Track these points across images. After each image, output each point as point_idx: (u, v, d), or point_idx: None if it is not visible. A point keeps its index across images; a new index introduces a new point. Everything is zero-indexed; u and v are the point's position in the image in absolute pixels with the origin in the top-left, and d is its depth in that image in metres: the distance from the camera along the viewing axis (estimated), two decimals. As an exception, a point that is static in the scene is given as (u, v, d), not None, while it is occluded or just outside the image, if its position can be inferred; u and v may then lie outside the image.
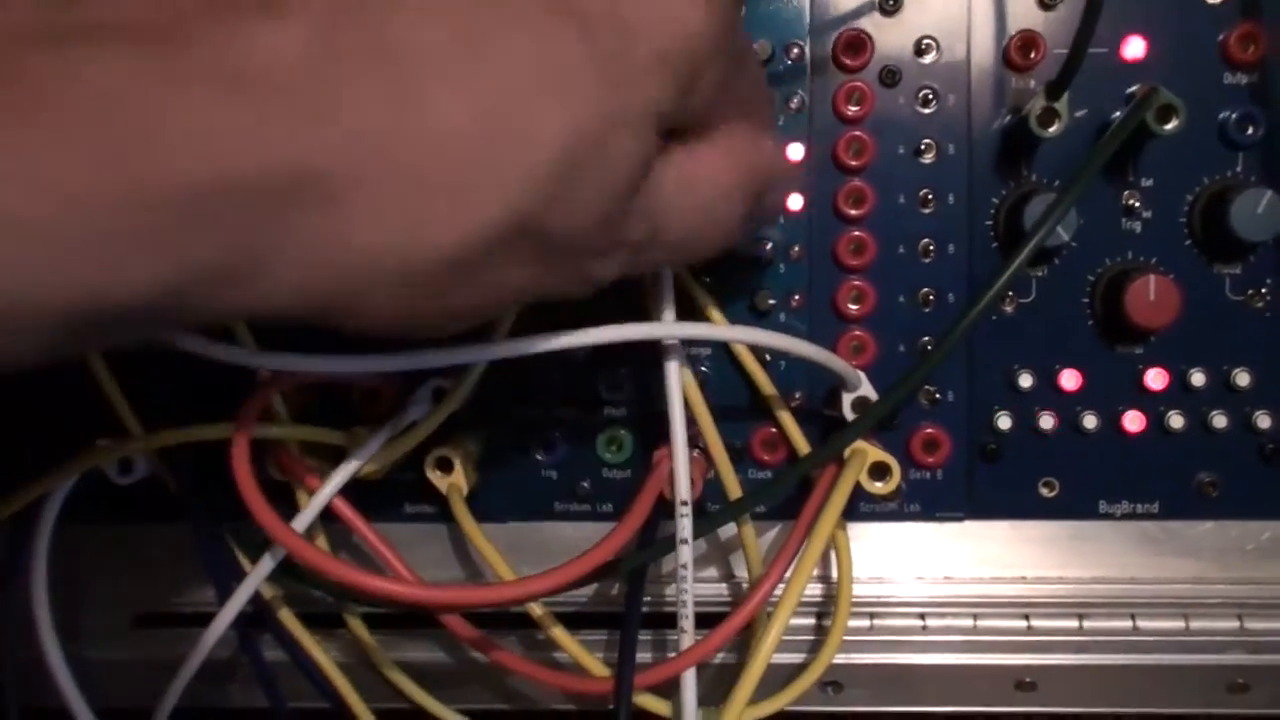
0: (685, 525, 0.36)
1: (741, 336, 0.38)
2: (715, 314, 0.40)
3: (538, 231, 0.26)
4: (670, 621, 0.40)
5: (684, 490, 0.36)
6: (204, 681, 0.44)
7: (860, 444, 0.39)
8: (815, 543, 0.36)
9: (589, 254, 0.28)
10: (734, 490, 0.40)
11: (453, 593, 0.37)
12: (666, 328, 0.36)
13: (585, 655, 0.40)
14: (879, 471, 0.38)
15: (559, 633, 0.40)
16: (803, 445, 0.41)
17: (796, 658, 0.43)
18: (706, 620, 0.40)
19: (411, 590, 0.34)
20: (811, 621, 0.44)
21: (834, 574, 0.43)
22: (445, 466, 0.41)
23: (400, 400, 0.41)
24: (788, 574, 0.37)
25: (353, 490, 0.41)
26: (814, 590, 0.44)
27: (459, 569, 0.45)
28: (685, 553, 0.35)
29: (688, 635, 0.35)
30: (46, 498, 0.39)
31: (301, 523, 0.38)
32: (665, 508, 0.39)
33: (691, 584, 0.36)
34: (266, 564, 0.39)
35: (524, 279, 0.27)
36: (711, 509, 0.42)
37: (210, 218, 0.21)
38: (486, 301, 0.27)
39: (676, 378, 0.36)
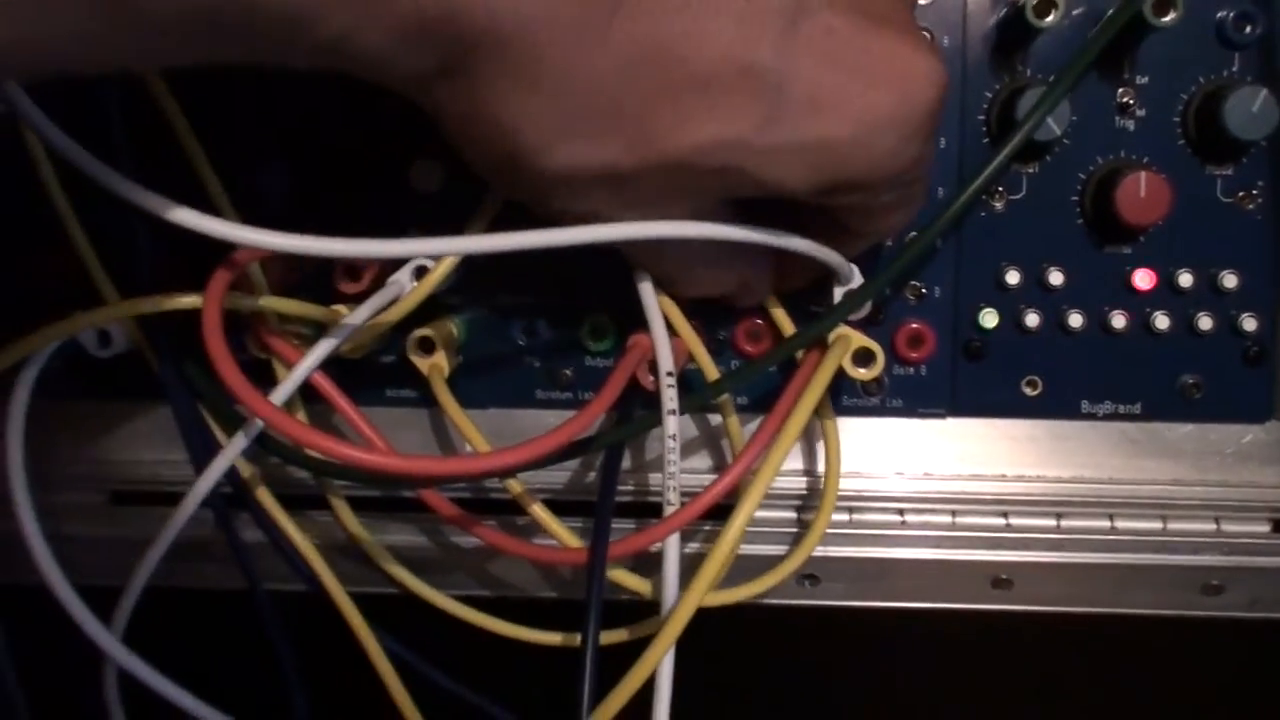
0: (670, 396, 0.35)
1: (726, 234, 0.37)
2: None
3: None
4: (655, 511, 0.39)
5: (666, 361, 0.35)
6: (181, 560, 0.44)
7: (845, 330, 0.38)
8: (793, 423, 0.36)
9: None
10: (711, 373, 0.40)
11: (427, 463, 0.36)
12: (642, 228, 0.35)
13: (563, 530, 0.40)
14: (863, 357, 0.38)
15: (538, 509, 0.40)
16: (789, 331, 0.40)
17: (779, 550, 0.43)
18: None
19: (385, 460, 0.33)
20: (792, 515, 0.44)
21: (820, 467, 0.43)
22: (427, 347, 0.40)
23: (382, 279, 0.40)
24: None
25: (334, 372, 0.41)
26: (797, 483, 0.44)
27: (439, 453, 0.45)
28: (672, 424, 0.35)
29: (673, 507, 0.35)
30: (21, 368, 0.39)
31: (279, 395, 0.37)
32: (643, 396, 0.39)
33: (679, 456, 0.35)
34: (240, 440, 0.38)
35: None
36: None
37: None
38: None
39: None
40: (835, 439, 0.41)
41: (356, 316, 0.39)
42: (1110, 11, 0.39)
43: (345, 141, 0.43)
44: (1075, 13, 0.41)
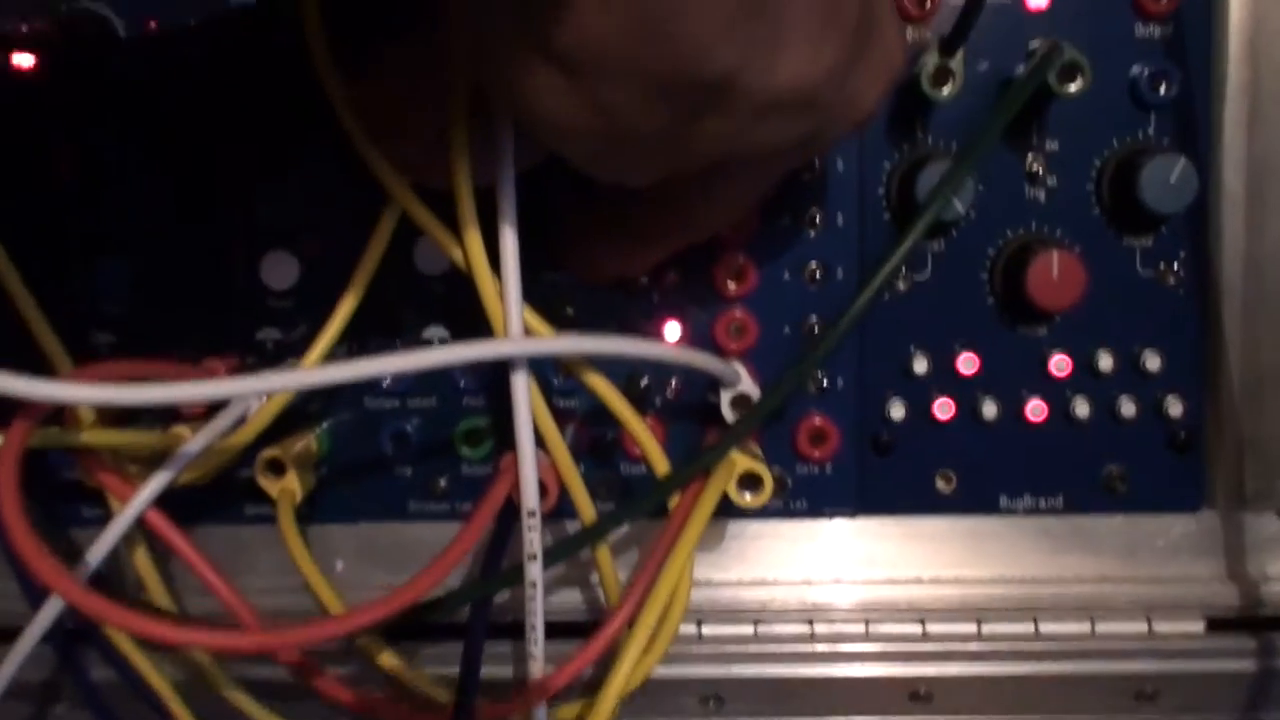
0: (534, 539, 0.32)
1: (591, 348, 0.34)
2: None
3: None
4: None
5: (531, 499, 0.32)
6: (24, 702, 0.40)
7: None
8: (667, 576, 0.32)
9: None
10: (586, 511, 0.36)
11: (228, 637, 0.32)
12: (508, 345, 0.31)
13: (425, 681, 0.36)
14: (750, 482, 0.35)
15: (388, 658, 0.37)
16: (659, 461, 0.36)
17: (674, 671, 0.40)
18: (572, 630, 0.37)
19: (185, 633, 0.29)
20: (692, 629, 0.40)
21: (718, 574, 0.39)
22: (277, 469, 0.36)
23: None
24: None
25: (183, 494, 0.37)
26: (697, 595, 0.40)
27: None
28: (534, 570, 0.32)
29: (537, 663, 0.32)
30: None
31: (104, 545, 0.33)
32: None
33: (541, 604, 0.32)
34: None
35: None
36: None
37: None
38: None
39: (524, 390, 0.32)
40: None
41: (195, 443, 0.35)
42: (1015, 82, 0.36)
43: (189, 238, 0.39)
44: (981, 68, 0.38)
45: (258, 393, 0.31)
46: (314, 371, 0.31)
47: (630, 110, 0.24)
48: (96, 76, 0.38)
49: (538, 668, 0.32)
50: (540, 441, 0.35)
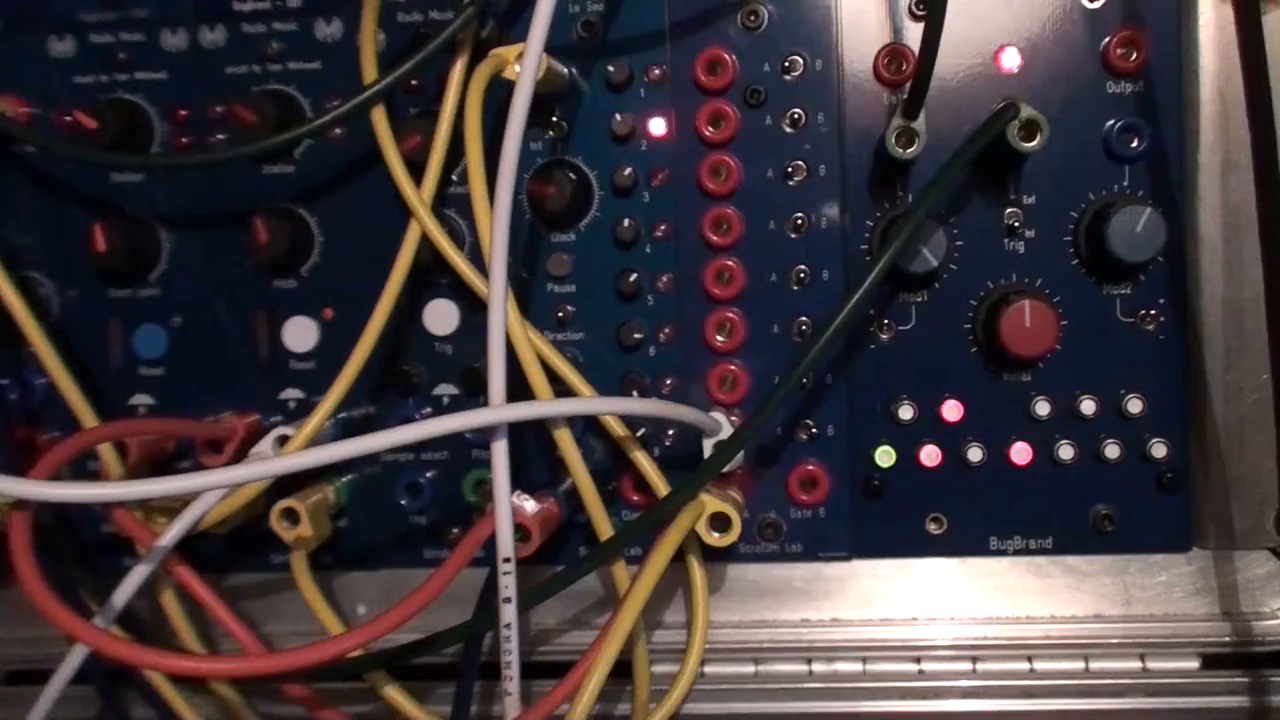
0: (509, 583, 0.33)
1: (575, 409, 0.36)
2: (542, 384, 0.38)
3: None
4: (529, 670, 0.38)
5: (507, 547, 0.34)
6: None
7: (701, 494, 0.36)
8: (625, 615, 0.34)
9: None
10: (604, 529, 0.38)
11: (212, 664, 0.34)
12: (492, 413, 0.34)
13: (419, 713, 0.39)
14: (720, 522, 0.36)
15: (392, 692, 0.39)
16: (661, 489, 0.38)
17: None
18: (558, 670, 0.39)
19: (186, 663, 0.32)
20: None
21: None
22: (292, 519, 0.39)
23: (244, 450, 0.39)
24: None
25: (211, 543, 0.40)
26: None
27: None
28: (509, 612, 0.33)
29: (513, 699, 0.34)
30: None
31: (125, 591, 0.36)
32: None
33: (516, 645, 0.34)
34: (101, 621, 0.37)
35: None
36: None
37: None
38: None
39: (503, 455, 0.34)
40: (704, 592, 0.39)
41: (210, 495, 0.37)
42: (968, 137, 0.37)
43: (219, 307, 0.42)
44: (964, 129, 0.39)
45: (225, 485, 0.33)
46: (316, 452, 0.32)
47: None
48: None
49: (513, 705, 0.33)
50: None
